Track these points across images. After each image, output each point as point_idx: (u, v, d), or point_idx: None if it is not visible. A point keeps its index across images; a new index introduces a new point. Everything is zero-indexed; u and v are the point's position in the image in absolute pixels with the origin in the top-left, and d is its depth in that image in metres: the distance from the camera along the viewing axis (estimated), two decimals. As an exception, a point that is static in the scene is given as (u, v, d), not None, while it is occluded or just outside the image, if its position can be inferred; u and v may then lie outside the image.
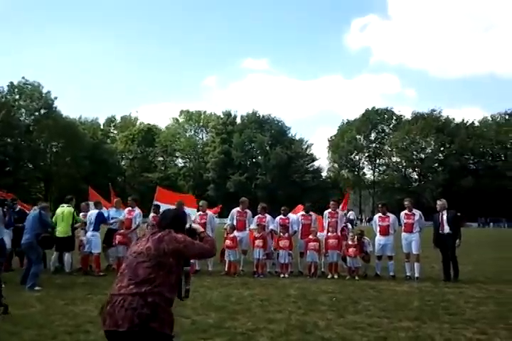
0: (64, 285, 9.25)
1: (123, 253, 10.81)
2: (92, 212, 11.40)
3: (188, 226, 3.48)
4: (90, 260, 11.32)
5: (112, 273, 10.84)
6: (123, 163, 79.38)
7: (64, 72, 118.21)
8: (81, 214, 11.92)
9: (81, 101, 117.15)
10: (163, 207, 11.85)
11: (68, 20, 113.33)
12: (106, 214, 11.78)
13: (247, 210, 11.96)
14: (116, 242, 11.32)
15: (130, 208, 12.22)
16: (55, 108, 66.55)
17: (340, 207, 12.09)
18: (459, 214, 11.06)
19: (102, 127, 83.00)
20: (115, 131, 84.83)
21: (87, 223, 11.22)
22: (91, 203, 12.51)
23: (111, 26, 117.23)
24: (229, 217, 12.11)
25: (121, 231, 11.48)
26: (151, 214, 12.14)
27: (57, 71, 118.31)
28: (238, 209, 11.93)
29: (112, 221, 11.78)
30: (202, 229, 3.54)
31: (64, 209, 10.90)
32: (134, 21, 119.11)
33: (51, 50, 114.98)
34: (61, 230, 10.69)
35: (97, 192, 14.09)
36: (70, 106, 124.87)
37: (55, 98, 66.07)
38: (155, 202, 12.86)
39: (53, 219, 10.75)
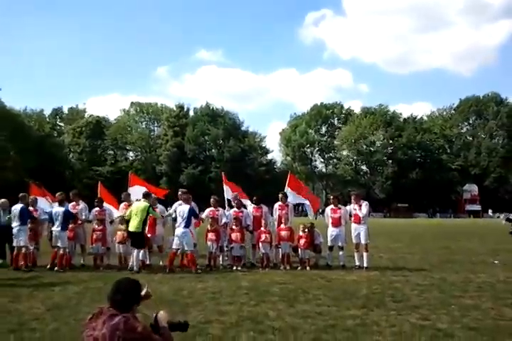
0: (8, 282, 8.91)
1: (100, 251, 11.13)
2: (16, 207, 10.88)
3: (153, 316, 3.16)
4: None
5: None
6: (71, 156, 76.83)
7: (7, 62, 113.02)
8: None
9: (26, 92, 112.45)
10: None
11: (8, 10, 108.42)
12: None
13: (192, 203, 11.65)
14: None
15: (74, 203, 11.90)
16: (-1, 99, 63.62)
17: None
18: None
19: (48, 119, 79.97)
20: (62, 124, 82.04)
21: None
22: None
23: (59, 15, 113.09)
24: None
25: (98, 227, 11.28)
26: (94, 209, 11.84)
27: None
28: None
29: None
30: (164, 324, 3.18)
31: (139, 204, 10.69)
32: (83, 10, 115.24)
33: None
34: (133, 225, 10.45)
35: (42, 187, 13.67)
36: (15, 97, 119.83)
37: (-1, 89, 63.28)
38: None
39: (128, 214, 10.64)
